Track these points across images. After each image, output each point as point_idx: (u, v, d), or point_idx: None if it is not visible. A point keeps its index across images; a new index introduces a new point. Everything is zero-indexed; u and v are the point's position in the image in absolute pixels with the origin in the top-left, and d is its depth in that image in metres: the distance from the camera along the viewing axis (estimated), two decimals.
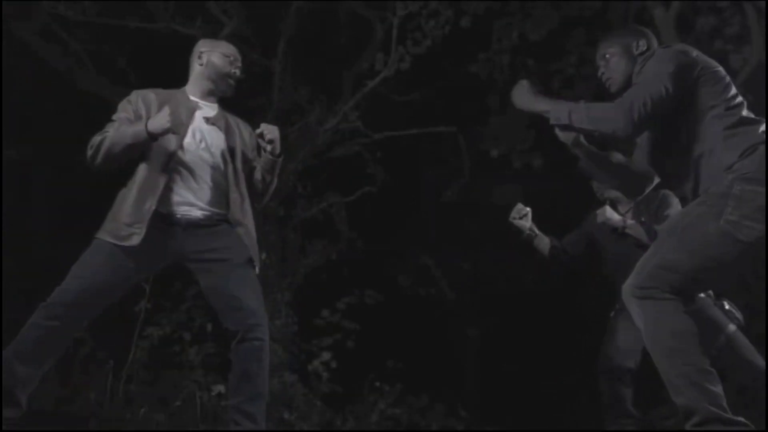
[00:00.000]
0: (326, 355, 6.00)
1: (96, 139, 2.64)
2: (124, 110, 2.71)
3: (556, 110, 2.36)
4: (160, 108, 2.61)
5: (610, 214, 3.27)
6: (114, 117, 2.71)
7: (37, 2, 5.91)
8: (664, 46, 2.42)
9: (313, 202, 7.00)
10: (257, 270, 2.69)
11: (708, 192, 2.20)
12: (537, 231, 3.45)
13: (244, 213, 2.72)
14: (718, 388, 2.06)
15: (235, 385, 2.54)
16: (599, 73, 2.51)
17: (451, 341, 8.82)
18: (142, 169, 2.62)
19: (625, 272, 3.16)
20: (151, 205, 2.56)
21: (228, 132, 2.80)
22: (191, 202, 2.64)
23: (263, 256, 6.39)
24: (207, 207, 2.65)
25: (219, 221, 2.67)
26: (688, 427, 2.06)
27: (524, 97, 2.43)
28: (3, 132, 6.02)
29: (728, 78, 2.34)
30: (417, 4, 6.36)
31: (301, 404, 5.55)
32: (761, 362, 2.96)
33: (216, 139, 2.74)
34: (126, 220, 2.55)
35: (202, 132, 2.72)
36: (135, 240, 2.52)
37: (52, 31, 6.15)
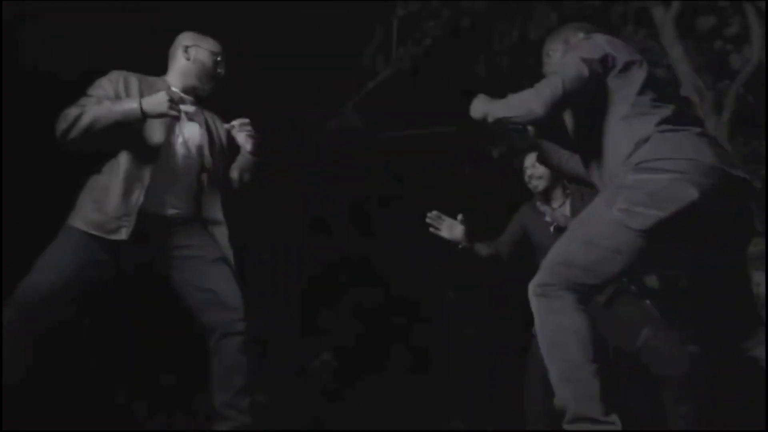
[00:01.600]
0: (327, 355, 6.00)
1: (72, 111, 2.45)
2: (102, 87, 2.55)
3: (488, 109, 2.36)
4: (142, 94, 2.49)
5: (544, 209, 3.26)
6: (90, 92, 2.54)
7: (39, 5, 5.91)
8: (586, 36, 2.41)
9: (313, 201, 7.00)
10: (232, 266, 2.61)
11: (607, 184, 2.20)
12: (470, 242, 3.34)
13: (217, 211, 2.65)
14: (595, 385, 2.00)
15: (222, 381, 2.48)
16: (543, 71, 2.51)
17: (452, 342, 8.82)
18: (126, 160, 2.48)
19: None
20: (139, 197, 2.45)
21: (206, 128, 2.72)
22: (166, 198, 2.56)
23: (265, 256, 6.43)
24: (181, 204, 2.59)
25: (192, 219, 2.61)
26: (563, 425, 2.04)
27: (477, 106, 2.42)
28: (3, 132, 6.01)
29: (646, 68, 2.30)
30: (417, 5, 6.36)
31: (302, 403, 5.55)
32: (684, 357, 2.94)
33: (194, 135, 2.66)
34: (114, 213, 2.42)
35: (181, 126, 2.63)
36: (123, 233, 2.40)
37: (55, 34, 6.15)
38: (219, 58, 2.74)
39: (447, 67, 7.38)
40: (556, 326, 2.06)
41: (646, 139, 2.12)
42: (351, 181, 7.34)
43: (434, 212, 3.20)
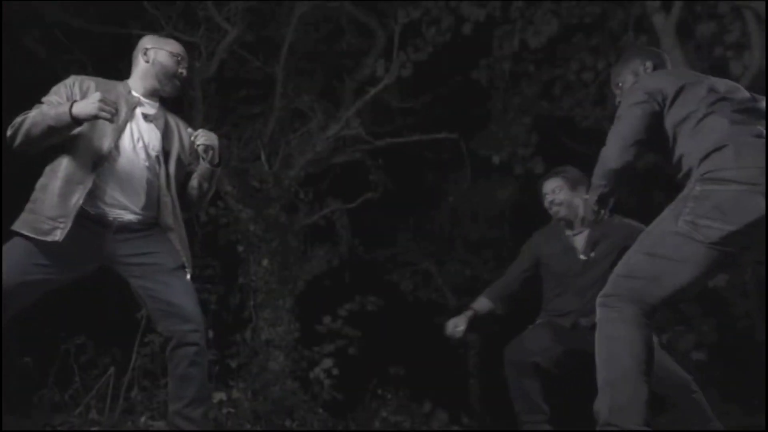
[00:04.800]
0: (328, 362, 5.98)
1: (18, 119, 2.42)
2: (56, 93, 2.51)
3: (592, 191, 2.41)
4: None
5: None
6: (43, 99, 2.50)
7: (41, 9, 5.93)
8: (635, 82, 2.44)
9: (314, 208, 7.01)
10: (189, 275, 2.55)
11: (677, 197, 2.21)
12: (466, 324, 3.43)
13: (175, 217, 2.58)
14: (635, 398, 2.00)
15: (174, 391, 2.45)
16: (616, 102, 2.53)
17: (453, 347, 8.80)
18: (68, 161, 2.42)
19: (569, 289, 3.20)
20: (78, 199, 2.37)
21: (166, 132, 2.64)
22: (124, 204, 2.50)
23: (265, 262, 6.42)
24: (139, 210, 2.52)
25: (151, 225, 2.55)
26: (597, 428, 2.05)
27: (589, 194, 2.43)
28: (3, 132, 6.03)
29: (704, 82, 2.34)
30: (418, 11, 6.38)
31: (303, 412, 5.53)
32: (682, 373, 2.94)
33: (153, 139, 2.59)
34: (48, 213, 2.35)
35: (140, 130, 2.57)
36: (58, 235, 2.32)
37: (55, 37, 6.19)
38: (180, 59, 2.66)
39: (448, 74, 7.40)
40: (610, 336, 2.08)
41: (713, 150, 2.13)
42: (352, 187, 7.35)
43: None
